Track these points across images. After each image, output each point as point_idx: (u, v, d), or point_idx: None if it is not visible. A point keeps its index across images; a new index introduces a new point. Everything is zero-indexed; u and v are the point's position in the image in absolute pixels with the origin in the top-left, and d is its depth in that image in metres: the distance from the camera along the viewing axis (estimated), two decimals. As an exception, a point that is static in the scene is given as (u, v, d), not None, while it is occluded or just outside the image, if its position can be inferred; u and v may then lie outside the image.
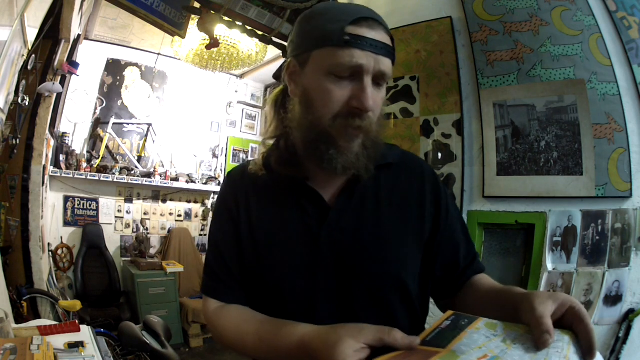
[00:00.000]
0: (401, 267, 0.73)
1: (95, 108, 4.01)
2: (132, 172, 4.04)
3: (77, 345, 1.35)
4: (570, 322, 0.52)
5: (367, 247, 0.72)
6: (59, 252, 3.66)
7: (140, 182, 4.07)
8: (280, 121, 0.77)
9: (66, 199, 3.83)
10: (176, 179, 4.35)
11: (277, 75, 0.80)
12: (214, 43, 2.36)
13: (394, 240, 0.73)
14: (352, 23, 0.64)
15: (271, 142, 0.80)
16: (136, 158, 4.26)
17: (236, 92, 4.98)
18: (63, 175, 3.61)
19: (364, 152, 0.69)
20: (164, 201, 4.51)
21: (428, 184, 0.78)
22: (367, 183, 0.74)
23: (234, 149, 5.01)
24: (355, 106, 0.65)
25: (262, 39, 2.21)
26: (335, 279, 0.71)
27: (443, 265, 0.78)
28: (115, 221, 4.16)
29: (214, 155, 4.92)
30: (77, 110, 3.87)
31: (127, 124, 4.23)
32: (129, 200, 4.25)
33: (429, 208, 0.77)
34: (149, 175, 4.13)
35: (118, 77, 4.14)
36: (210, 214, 4.56)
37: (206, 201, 4.76)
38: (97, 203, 4.02)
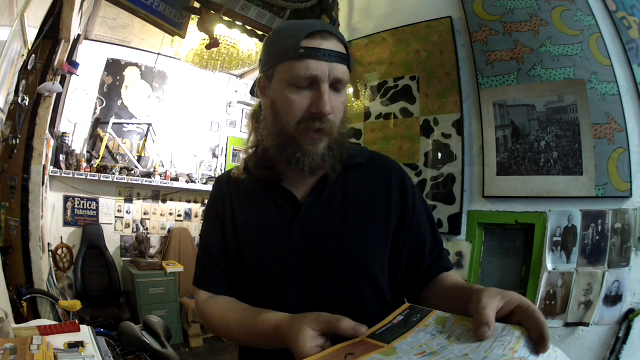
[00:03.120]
0: (367, 257, 0.79)
1: (95, 108, 4.02)
2: (132, 172, 4.04)
3: (77, 345, 1.35)
4: (519, 320, 0.53)
5: (335, 238, 0.78)
6: (59, 252, 3.66)
7: (140, 182, 4.07)
8: (257, 132, 0.86)
9: (66, 199, 3.84)
10: (176, 179, 4.35)
11: (252, 91, 0.88)
12: (214, 43, 2.35)
13: (360, 232, 0.79)
14: (307, 37, 0.72)
15: (252, 150, 0.88)
16: (136, 158, 4.26)
17: (236, 92, 4.98)
18: (63, 175, 3.61)
19: (330, 153, 0.76)
20: (164, 201, 4.51)
21: (395, 181, 0.84)
22: (336, 181, 0.82)
23: (234, 149, 5.01)
24: (314, 112, 0.73)
25: (262, 39, 2.21)
26: (308, 269, 0.77)
27: (409, 261, 0.82)
28: (115, 221, 4.16)
29: (214, 155, 4.92)
30: (77, 110, 3.87)
31: (127, 124, 4.23)
32: (129, 200, 4.25)
33: (396, 204, 0.82)
34: (149, 175, 4.13)
35: (118, 77, 4.14)
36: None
37: (206, 201, 4.75)
38: (97, 203, 4.03)
